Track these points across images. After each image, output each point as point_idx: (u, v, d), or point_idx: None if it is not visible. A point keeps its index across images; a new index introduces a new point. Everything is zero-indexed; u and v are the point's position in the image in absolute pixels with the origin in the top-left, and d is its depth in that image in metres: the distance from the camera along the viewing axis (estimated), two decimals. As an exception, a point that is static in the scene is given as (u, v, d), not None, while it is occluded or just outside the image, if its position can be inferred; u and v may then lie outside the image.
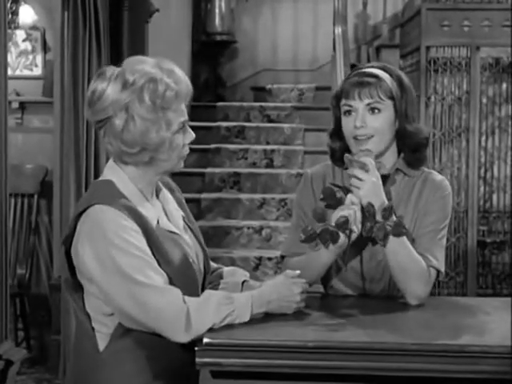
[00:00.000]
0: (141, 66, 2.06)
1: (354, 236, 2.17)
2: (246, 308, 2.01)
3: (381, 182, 2.23)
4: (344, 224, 2.13)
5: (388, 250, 2.23)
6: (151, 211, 2.09)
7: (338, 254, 2.24)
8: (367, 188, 2.19)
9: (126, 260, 1.96)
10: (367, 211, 2.17)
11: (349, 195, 2.20)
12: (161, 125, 2.03)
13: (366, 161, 2.22)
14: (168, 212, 2.17)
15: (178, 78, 2.05)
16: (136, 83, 2.02)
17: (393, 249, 2.22)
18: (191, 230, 2.23)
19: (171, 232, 2.12)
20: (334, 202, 2.19)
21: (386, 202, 2.22)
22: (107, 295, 2.00)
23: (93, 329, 2.08)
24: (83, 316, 2.09)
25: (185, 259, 2.10)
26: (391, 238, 2.21)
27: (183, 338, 1.95)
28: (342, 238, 2.15)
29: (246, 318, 2.01)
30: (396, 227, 2.18)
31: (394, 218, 2.19)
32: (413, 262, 2.25)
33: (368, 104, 2.29)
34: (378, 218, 2.18)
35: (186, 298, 1.98)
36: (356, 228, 2.16)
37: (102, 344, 2.07)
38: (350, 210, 2.15)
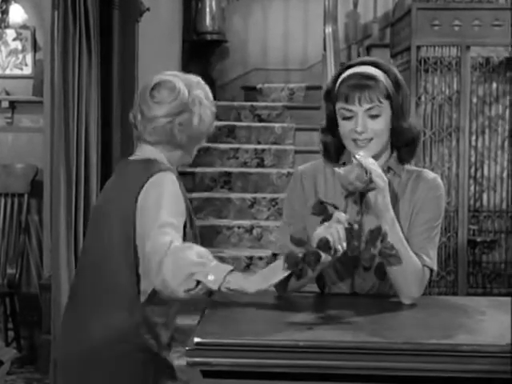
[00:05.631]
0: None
1: (338, 254, 2.11)
2: (220, 268, 2.10)
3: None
4: (325, 245, 2.09)
5: None
6: None
7: (322, 269, 2.21)
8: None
9: (167, 217, 2.30)
10: (350, 231, 2.11)
11: (335, 213, 2.15)
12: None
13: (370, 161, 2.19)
14: None
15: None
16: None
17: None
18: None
19: None
20: (326, 217, 2.17)
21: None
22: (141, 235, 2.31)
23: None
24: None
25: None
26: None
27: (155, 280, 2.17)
28: (324, 255, 2.10)
29: (217, 278, 2.08)
30: (384, 251, 2.14)
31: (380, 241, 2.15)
32: (410, 264, 2.24)
33: (368, 109, 2.27)
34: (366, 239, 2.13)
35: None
36: (341, 247, 2.10)
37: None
38: (332, 229, 2.10)
